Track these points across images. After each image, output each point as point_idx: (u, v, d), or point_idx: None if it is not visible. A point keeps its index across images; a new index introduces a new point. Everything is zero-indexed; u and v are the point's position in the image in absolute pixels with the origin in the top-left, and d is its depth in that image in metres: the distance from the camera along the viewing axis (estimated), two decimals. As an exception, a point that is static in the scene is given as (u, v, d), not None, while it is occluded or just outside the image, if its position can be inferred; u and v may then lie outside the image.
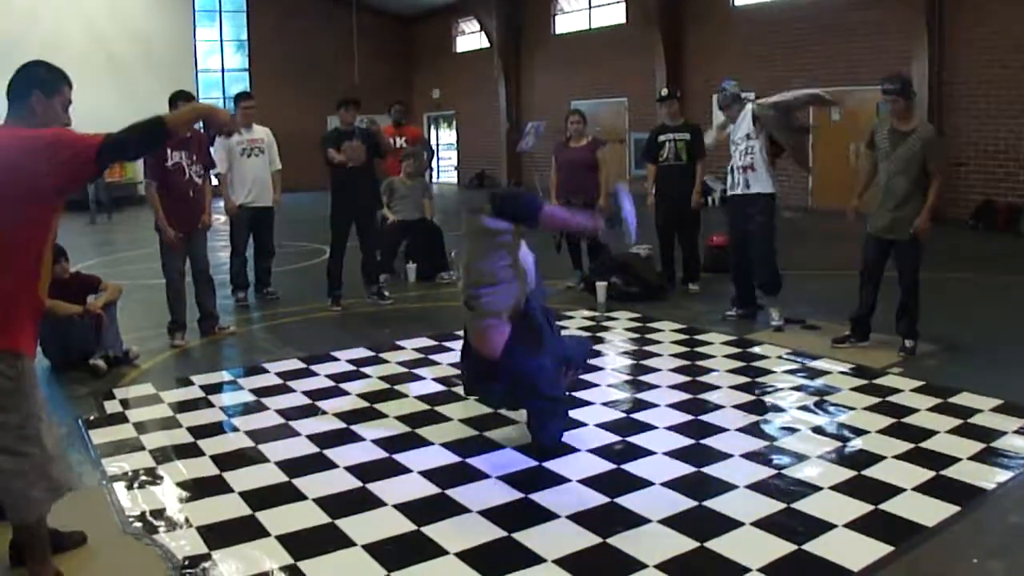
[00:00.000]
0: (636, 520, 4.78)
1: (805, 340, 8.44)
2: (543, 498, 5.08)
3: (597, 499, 5.06)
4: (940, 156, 7.63)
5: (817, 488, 5.14)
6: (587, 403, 6.77)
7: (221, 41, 31.18)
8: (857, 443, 5.85)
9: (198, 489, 5.31)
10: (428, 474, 5.46)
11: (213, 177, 9.67)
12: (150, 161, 8.64)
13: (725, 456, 5.64)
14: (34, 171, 3.84)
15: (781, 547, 4.44)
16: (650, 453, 5.74)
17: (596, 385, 7.27)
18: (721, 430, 6.12)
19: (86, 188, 19.21)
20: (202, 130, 8.76)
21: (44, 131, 3.98)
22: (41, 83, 4.16)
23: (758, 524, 4.69)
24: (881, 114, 8.03)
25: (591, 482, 5.29)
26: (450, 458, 5.73)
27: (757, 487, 5.18)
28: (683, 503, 4.97)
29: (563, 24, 27.98)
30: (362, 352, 8.39)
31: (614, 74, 25.42)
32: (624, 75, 25.04)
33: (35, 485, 3.98)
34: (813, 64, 19.77)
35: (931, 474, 5.30)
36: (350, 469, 5.55)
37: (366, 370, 7.81)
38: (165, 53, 27.70)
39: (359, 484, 5.33)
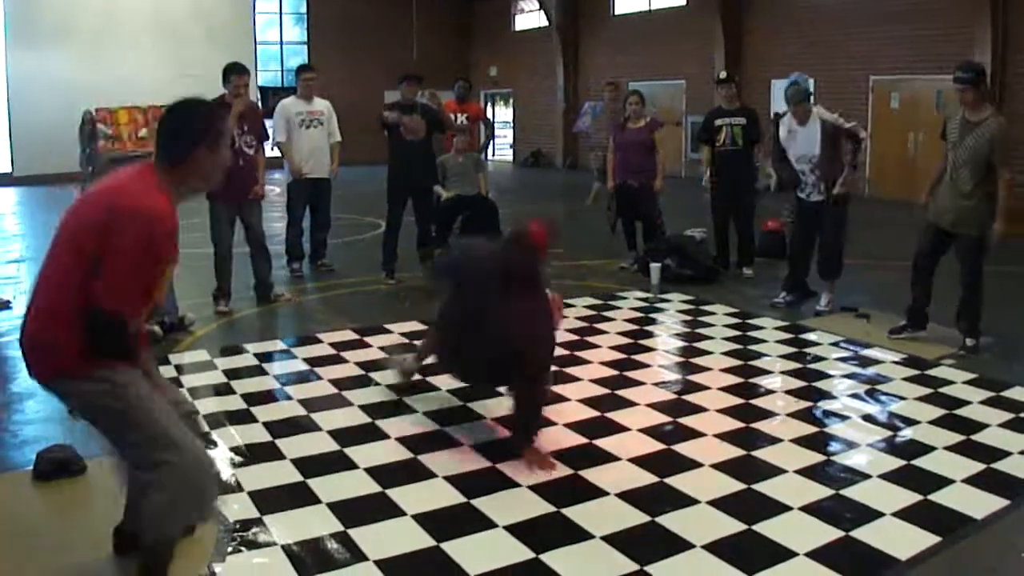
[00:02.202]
0: (685, 500, 4.80)
1: (858, 328, 8.39)
2: (593, 475, 5.11)
3: (646, 478, 5.08)
4: (1004, 150, 7.45)
5: (866, 476, 5.13)
6: (638, 383, 6.78)
7: (280, 13, 31.21)
8: (908, 433, 5.83)
9: (251, 455, 5.39)
10: (478, 447, 5.51)
11: (269, 148, 9.76)
12: None
13: (775, 440, 5.63)
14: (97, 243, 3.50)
15: (829, 533, 4.44)
16: (700, 435, 5.75)
17: (648, 366, 7.28)
18: (771, 415, 6.11)
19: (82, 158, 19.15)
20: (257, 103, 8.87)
21: (153, 219, 3.55)
22: (206, 136, 3.80)
23: (806, 509, 4.69)
24: (949, 104, 7.87)
25: (640, 461, 5.31)
26: (500, 432, 5.78)
27: (806, 472, 5.17)
28: (732, 485, 4.98)
29: (623, 5, 27.82)
30: (415, 325, 8.44)
31: (672, 56, 25.28)
32: (682, 58, 24.90)
33: (178, 494, 3.64)
34: (872, 51, 19.56)
35: (981, 466, 5.27)
36: (401, 440, 5.61)
37: (419, 343, 7.84)
38: (224, 25, 27.77)
39: (410, 455, 5.38)
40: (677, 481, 5.04)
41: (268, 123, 9.67)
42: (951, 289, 7.82)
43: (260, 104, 23.56)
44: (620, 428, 5.86)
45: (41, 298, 3.66)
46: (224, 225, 8.93)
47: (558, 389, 6.51)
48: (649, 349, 7.78)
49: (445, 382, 6.75)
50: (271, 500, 4.77)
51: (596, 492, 4.90)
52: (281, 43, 31.35)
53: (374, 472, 5.12)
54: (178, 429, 3.74)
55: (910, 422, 6.01)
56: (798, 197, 9.09)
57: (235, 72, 8.92)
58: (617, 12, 27.98)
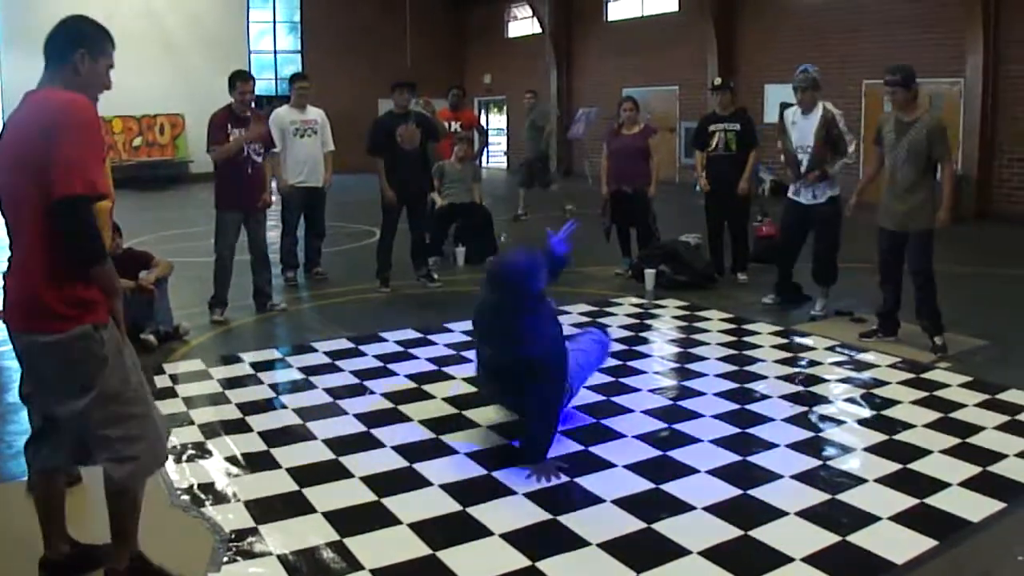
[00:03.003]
0: (681, 507, 4.80)
1: (853, 332, 8.39)
2: (589, 482, 5.11)
3: (642, 485, 5.08)
4: (942, 145, 7.57)
5: (862, 480, 5.13)
6: (634, 390, 6.79)
7: (274, 22, 31.24)
8: (903, 436, 5.83)
9: (246, 464, 5.39)
10: (474, 455, 5.50)
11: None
12: (212, 131, 8.89)
13: (771, 446, 5.63)
14: (39, 153, 3.55)
15: (825, 538, 4.44)
16: (696, 441, 5.75)
17: (643, 372, 7.28)
18: (767, 420, 6.11)
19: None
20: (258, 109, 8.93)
21: (70, 108, 3.62)
22: (87, 41, 3.84)
23: (802, 514, 4.69)
24: (887, 106, 7.97)
25: (636, 468, 5.31)
26: (496, 440, 5.78)
27: (802, 477, 5.17)
28: (728, 491, 4.98)
29: (616, 11, 27.85)
30: (410, 334, 8.45)
31: (666, 62, 25.29)
32: (676, 63, 24.91)
33: (150, 449, 3.90)
34: (866, 57, 19.56)
35: (977, 470, 5.27)
36: (397, 449, 5.61)
37: (414, 351, 7.86)
38: (218, 34, 27.81)
39: (405, 464, 5.38)
40: (673, 487, 5.04)
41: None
42: (942, 292, 7.85)
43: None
44: (616, 434, 5.87)
45: (18, 252, 3.75)
46: (231, 234, 8.99)
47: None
48: (644, 355, 7.78)
49: (439, 390, 6.76)
50: (266, 509, 4.76)
51: (592, 499, 4.90)
52: (275, 52, 31.36)
53: (369, 481, 5.12)
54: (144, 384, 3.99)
55: (906, 426, 6.01)
56: (789, 197, 9.12)
57: (240, 79, 9.04)
58: (610, 18, 28.00)
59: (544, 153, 17.57)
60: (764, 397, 6.62)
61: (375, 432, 5.90)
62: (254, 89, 9.13)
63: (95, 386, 3.72)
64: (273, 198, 9.48)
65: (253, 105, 9.14)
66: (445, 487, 5.04)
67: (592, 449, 5.61)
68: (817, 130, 8.77)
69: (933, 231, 7.69)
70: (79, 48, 3.81)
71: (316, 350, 7.92)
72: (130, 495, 3.93)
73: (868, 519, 4.64)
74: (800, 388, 6.86)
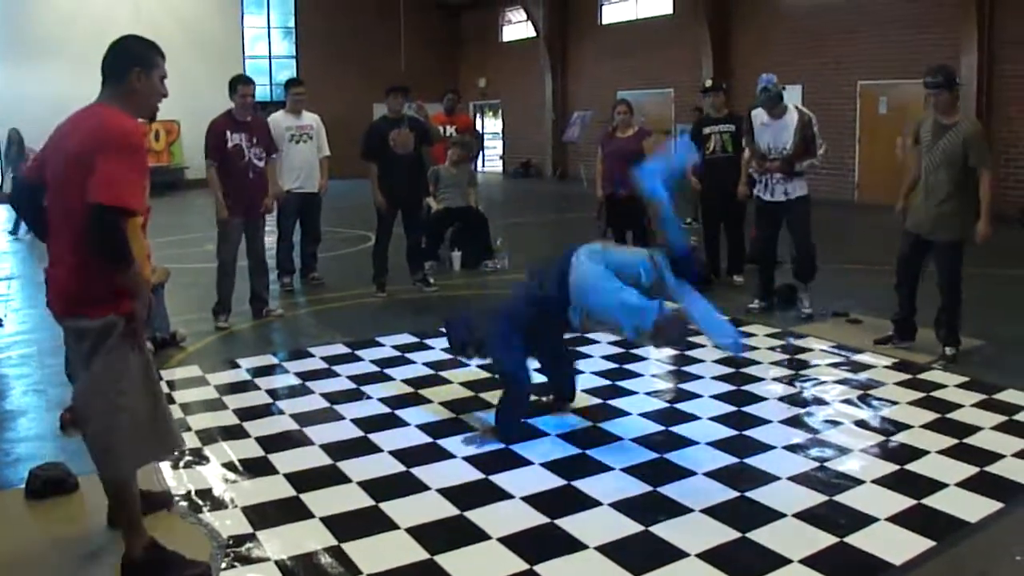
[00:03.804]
0: (678, 509, 4.80)
1: (849, 334, 8.40)
2: (586, 485, 5.11)
3: (639, 487, 5.08)
4: (981, 151, 7.41)
5: (860, 481, 5.13)
6: (630, 393, 6.79)
7: (269, 28, 31.28)
8: (900, 437, 5.84)
9: (243, 470, 5.39)
10: (472, 460, 5.50)
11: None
12: (211, 142, 8.86)
13: (768, 448, 5.64)
14: (88, 163, 3.84)
15: (823, 539, 4.45)
16: (693, 443, 5.75)
17: (640, 375, 7.28)
18: (764, 422, 6.12)
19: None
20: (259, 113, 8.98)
21: (121, 132, 3.94)
22: (140, 59, 4.13)
23: (800, 516, 4.69)
24: (928, 106, 7.87)
25: (633, 470, 5.31)
26: (493, 444, 5.76)
27: (799, 479, 5.18)
28: (725, 493, 4.98)
29: (610, 14, 27.90)
30: (407, 338, 8.44)
31: (661, 65, 25.32)
32: (671, 66, 24.94)
33: (136, 441, 4.09)
34: (861, 58, 19.64)
35: (974, 470, 5.28)
36: (394, 453, 5.60)
37: (411, 356, 7.85)
38: (213, 39, 27.81)
39: (403, 468, 5.37)
40: (670, 490, 5.04)
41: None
42: (936, 294, 7.82)
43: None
44: (613, 438, 5.87)
45: (57, 247, 4.10)
46: (234, 240, 8.99)
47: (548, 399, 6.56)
48: (641, 358, 7.77)
49: (437, 394, 6.76)
50: (264, 515, 4.76)
51: (589, 502, 4.90)
52: (270, 57, 31.37)
53: (367, 486, 5.11)
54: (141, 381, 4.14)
55: (903, 427, 6.02)
56: (759, 198, 9.11)
57: (241, 82, 9.10)
58: (605, 21, 28.06)
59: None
60: (761, 399, 6.62)
61: (372, 437, 5.90)
62: (255, 93, 9.14)
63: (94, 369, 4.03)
64: (272, 203, 9.48)
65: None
66: (443, 491, 5.03)
67: (589, 452, 5.61)
68: (796, 131, 8.76)
69: (961, 242, 7.57)
70: (134, 67, 4.11)
71: (313, 355, 7.92)
72: (122, 486, 4.15)
73: (866, 520, 4.64)
74: (797, 390, 6.86)
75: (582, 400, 6.60)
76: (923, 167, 7.64)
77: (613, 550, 4.35)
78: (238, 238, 9.02)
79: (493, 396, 6.63)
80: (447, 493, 5.01)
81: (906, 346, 7.98)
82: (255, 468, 5.41)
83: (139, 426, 4.07)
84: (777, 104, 8.90)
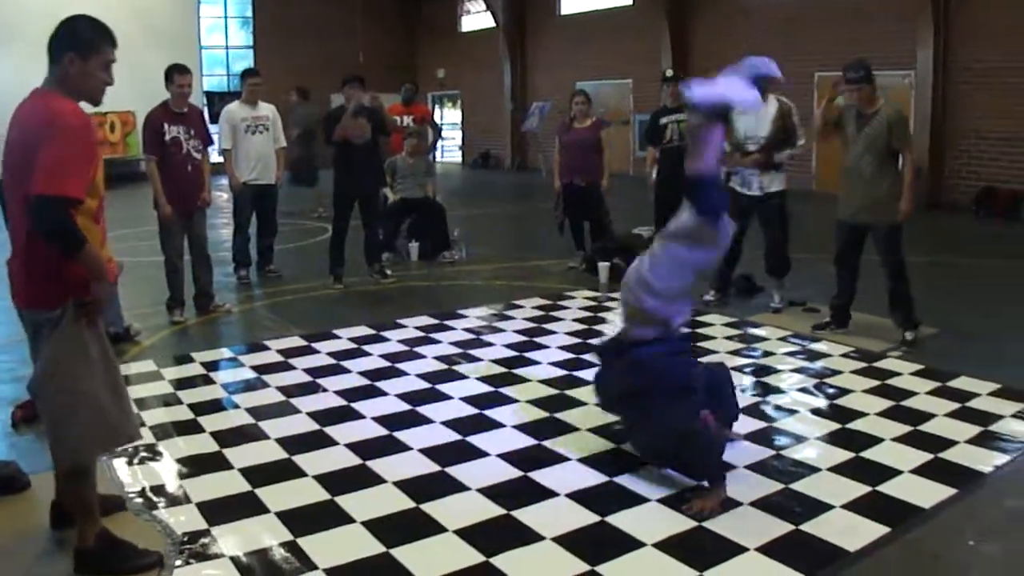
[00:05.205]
0: (635, 499, 4.80)
1: (805, 323, 8.43)
2: (542, 476, 5.10)
3: (596, 478, 5.08)
4: (902, 133, 7.66)
5: (816, 469, 5.16)
6: (587, 383, 6.78)
7: (225, 17, 31.03)
8: (856, 425, 5.88)
9: (198, 465, 5.33)
10: (428, 452, 5.47)
11: (214, 154, 9.70)
12: (148, 136, 8.69)
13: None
14: (31, 153, 3.82)
15: (779, 527, 4.47)
16: (650, 433, 5.74)
17: (597, 366, 7.27)
18: (721, 411, 6.11)
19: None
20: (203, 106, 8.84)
21: (55, 116, 3.86)
22: (78, 42, 4.00)
23: (756, 504, 4.71)
24: (842, 102, 7.98)
25: (590, 461, 5.31)
26: (450, 436, 5.75)
27: (756, 467, 5.20)
28: (682, 482, 4.97)
29: (569, 5, 27.90)
30: (363, 330, 8.41)
31: (619, 56, 25.36)
32: (629, 57, 24.98)
33: (94, 426, 4.04)
34: (819, 49, 19.71)
35: (929, 456, 5.33)
36: (350, 446, 5.57)
37: (367, 348, 7.82)
38: (168, 29, 27.48)
39: (359, 461, 5.35)
40: (627, 480, 5.04)
41: (213, 128, 9.55)
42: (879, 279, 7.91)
43: (207, 109, 23.49)
44: (569, 428, 5.87)
45: (18, 239, 4.09)
46: (177, 235, 8.87)
47: (506, 391, 6.55)
48: (599, 348, 7.77)
49: (393, 386, 6.74)
50: (219, 511, 4.71)
51: (546, 494, 4.89)
52: (227, 47, 31.16)
53: (323, 480, 5.08)
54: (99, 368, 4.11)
55: (858, 414, 6.06)
56: (733, 190, 9.09)
57: (178, 72, 8.79)
58: (564, 12, 28.07)
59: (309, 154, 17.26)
60: (717, 388, 6.61)
61: (328, 430, 5.86)
62: (191, 83, 8.96)
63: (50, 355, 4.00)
64: (214, 195, 9.33)
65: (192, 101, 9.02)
66: (399, 484, 5.01)
67: (545, 443, 5.61)
68: (774, 120, 8.77)
69: (900, 224, 7.71)
70: (68, 51, 3.99)
71: (269, 348, 7.87)
72: (81, 473, 4.12)
73: (821, 508, 4.67)
74: (753, 379, 6.89)
75: (539, 391, 6.60)
76: (848, 157, 7.87)
77: (570, 541, 4.34)
78: (180, 232, 8.90)
79: (450, 388, 6.65)
80: (403, 486, 4.98)
81: (841, 332, 8.09)
82: (210, 463, 5.36)
83: (99, 411, 4.03)
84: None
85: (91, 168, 3.98)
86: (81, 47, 4.00)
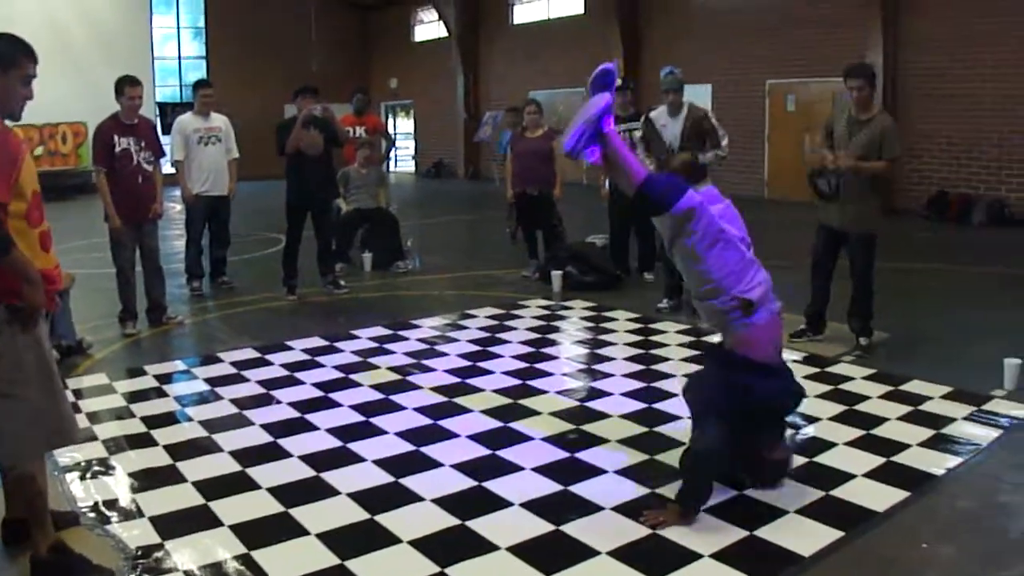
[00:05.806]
0: (589, 508, 4.81)
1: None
2: (497, 486, 5.10)
3: (551, 487, 5.08)
4: (894, 143, 7.59)
5: (769, 475, 5.17)
6: (541, 392, 6.79)
7: (178, 28, 30.81)
8: (809, 430, 5.93)
9: (151, 479, 5.28)
10: (382, 463, 5.46)
11: (166, 165, 9.62)
12: (98, 147, 8.60)
13: (679, 444, 5.61)
14: None
15: (733, 533, 4.48)
16: (604, 441, 5.77)
17: (551, 374, 7.29)
18: (675, 418, 6.13)
19: None
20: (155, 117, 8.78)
21: None
22: None
23: (710, 511, 4.71)
24: (839, 104, 7.99)
25: (545, 470, 5.31)
26: (404, 447, 5.73)
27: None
28: (637, 490, 5.00)
29: (521, 14, 27.97)
30: (317, 341, 8.37)
31: (572, 64, 25.40)
32: (582, 66, 24.88)
33: (31, 427, 4.04)
34: (768, 55, 19.90)
35: (882, 460, 5.38)
36: (304, 458, 5.54)
37: (321, 359, 7.78)
38: (120, 39, 27.29)
39: (313, 473, 5.32)
40: (581, 489, 5.05)
41: (165, 140, 9.49)
42: (845, 288, 7.93)
43: (159, 120, 23.32)
44: (523, 438, 5.86)
45: None
46: (127, 246, 8.78)
47: (459, 401, 6.56)
48: (552, 357, 7.79)
49: (347, 397, 6.71)
50: (172, 525, 4.67)
51: (500, 503, 4.89)
52: (180, 58, 30.95)
53: (277, 492, 5.05)
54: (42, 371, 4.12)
55: (811, 419, 6.10)
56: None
57: (128, 83, 8.66)
58: (516, 21, 28.13)
59: None
60: (671, 396, 6.63)
61: (282, 442, 5.83)
62: (142, 94, 8.88)
63: None
64: (167, 207, 9.27)
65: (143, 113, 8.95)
66: (353, 495, 4.99)
67: (499, 453, 5.60)
68: (683, 130, 8.90)
69: (875, 234, 7.72)
70: None
71: (222, 360, 7.82)
72: (27, 480, 4.13)
73: (775, 513, 4.70)
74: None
75: (493, 400, 6.59)
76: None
77: (524, 550, 4.34)
78: (132, 244, 8.82)
79: (404, 399, 6.64)
80: (357, 497, 4.97)
81: (819, 339, 8.10)
82: (163, 477, 5.31)
83: (37, 414, 4.04)
84: (679, 89, 9.03)
85: (13, 171, 3.97)
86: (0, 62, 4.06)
